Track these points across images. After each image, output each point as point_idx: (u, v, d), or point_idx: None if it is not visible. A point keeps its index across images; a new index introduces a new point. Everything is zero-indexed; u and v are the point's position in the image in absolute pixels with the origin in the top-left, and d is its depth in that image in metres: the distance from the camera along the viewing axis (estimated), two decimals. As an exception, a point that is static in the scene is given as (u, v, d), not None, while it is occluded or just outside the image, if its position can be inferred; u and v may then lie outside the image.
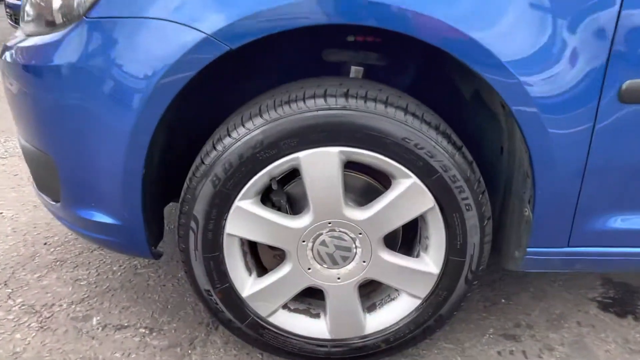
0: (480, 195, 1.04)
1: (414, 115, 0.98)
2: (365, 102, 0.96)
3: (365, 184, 1.13)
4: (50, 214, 1.68)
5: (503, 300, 1.50)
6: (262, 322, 1.16)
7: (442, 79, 1.27)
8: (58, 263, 1.69)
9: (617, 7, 0.88)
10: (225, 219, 1.04)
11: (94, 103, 1.01)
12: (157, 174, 1.16)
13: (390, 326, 1.16)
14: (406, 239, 1.22)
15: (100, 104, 1.00)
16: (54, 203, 1.24)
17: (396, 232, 1.17)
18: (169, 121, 1.14)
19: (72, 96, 1.02)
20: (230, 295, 1.13)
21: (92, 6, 0.97)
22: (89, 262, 1.69)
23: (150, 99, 0.97)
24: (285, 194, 1.11)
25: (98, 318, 1.42)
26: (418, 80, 1.32)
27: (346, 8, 0.90)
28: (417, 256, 1.14)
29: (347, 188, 1.08)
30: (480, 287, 1.55)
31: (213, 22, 0.91)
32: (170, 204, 1.39)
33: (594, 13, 0.89)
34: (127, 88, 0.97)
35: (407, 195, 1.02)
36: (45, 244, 1.81)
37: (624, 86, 0.92)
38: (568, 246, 1.09)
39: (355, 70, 1.17)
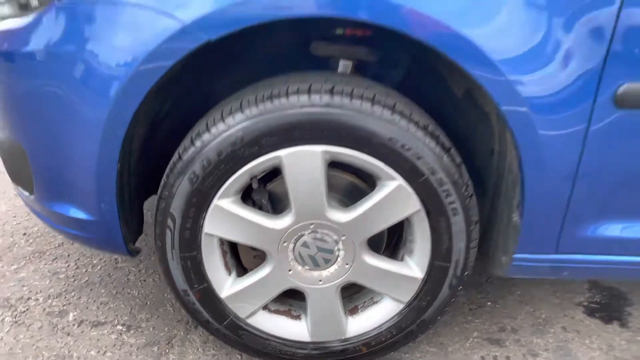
0: (468, 200, 1.00)
1: (401, 114, 0.94)
2: (350, 99, 0.92)
3: (350, 184, 1.09)
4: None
5: (489, 304, 1.47)
6: (241, 324, 1.12)
7: (434, 76, 1.22)
8: (36, 255, 1.65)
9: (616, 6, 0.84)
10: (204, 218, 1.00)
11: (67, 91, 0.96)
12: (137, 167, 1.12)
13: (371, 330, 1.13)
14: (391, 241, 1.19)
15: (73, 93, 0.96)
16: (27, 195, 1.19)
17: (381, 234, 1.13)
18: (150, 113, 1.09)
19: (44, 83, 0.98)
20: (209, 295, 1.09)
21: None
22: (69, 255, 1.65)
23: (126, 88, 0.92)
24: (267, 192, 1.07)
25: (75, 314, 1.38)
26: (409, 77, 1.28)
27: (331, 1, 0.85)
28: (402, 260, 1.11)
29: (331, 188, 1.04)
30: (466, 289, 1.52)
31: (191, 10, 0.86)
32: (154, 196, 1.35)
33: (592, 11, 0.85)
34: (101, 76, 0.93)
35: (392, 198, 0.99)
36: (24, 234, 1.76)
37: (620, 89, 0.89)
38: (556, 253, 1.06)
39: (343, 65, 1.12)
